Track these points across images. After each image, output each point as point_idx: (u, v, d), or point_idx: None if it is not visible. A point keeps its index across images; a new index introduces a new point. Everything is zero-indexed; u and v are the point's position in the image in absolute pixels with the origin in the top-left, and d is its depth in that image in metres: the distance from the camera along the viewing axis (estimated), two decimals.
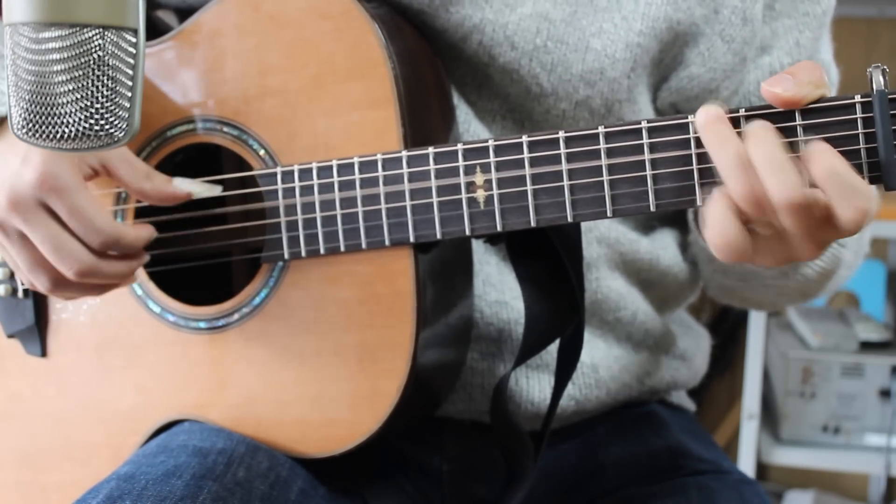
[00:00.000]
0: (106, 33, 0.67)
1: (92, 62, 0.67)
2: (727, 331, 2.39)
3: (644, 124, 0.75)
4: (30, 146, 0.80)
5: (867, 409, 2.06)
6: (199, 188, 0.87)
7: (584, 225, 0.91)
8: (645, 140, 0.75)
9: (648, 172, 0.75)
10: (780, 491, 2.41)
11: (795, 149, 0.71)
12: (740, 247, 0.71)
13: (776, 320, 2.29)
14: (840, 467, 2.17)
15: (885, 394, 2.05)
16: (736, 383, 2.35)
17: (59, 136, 0.68)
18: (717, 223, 0.71)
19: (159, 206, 0.88)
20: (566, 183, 0.77)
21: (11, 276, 0.95)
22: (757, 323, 2.11)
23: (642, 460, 0.99)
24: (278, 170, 0.86)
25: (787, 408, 2.08)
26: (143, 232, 0.86)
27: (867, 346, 2.09)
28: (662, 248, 1.02)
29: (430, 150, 0.81)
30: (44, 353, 0.96)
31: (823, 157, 0.69)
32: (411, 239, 0.82)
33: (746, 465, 2.10)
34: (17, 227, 0.82)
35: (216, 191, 0.87)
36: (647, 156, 0.75)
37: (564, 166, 0.77)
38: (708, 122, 0.71)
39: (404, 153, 0.82)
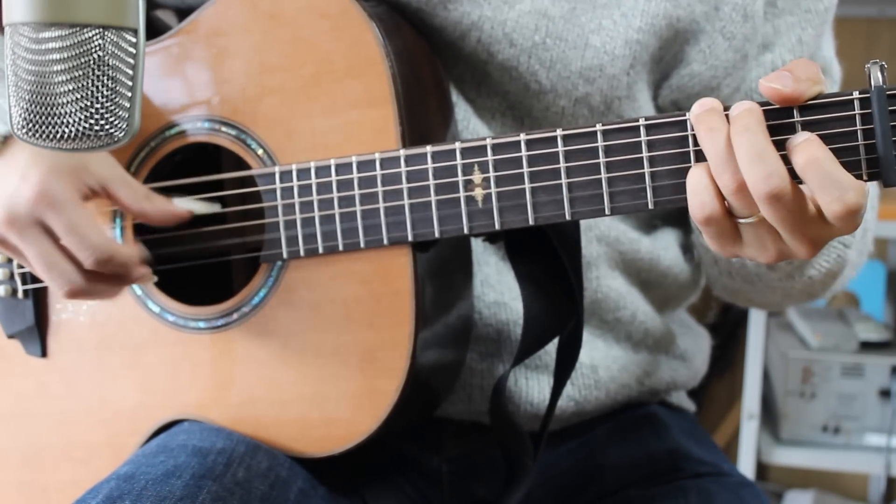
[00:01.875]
0: (106, 33, 0.67)
1: (92, 62, 0.67)
2: (727, 331, 2.39)
3: (642, 122, 0.75)
4: (29, 165, 0.81)
5: (867, 409, 2.06)
6: (198, 206, 0.87)
7: (584, 224, 0.91)
8: (643, 137, 0.75)
9: (646, 170, 0.75)
10: (780, 491, 2.41)
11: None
12: (723, 228, 0.71)
13: (776, 320, 2.29)
14: (840, 467, 2.17)
15: (885, 394, 2.05)
16: (736, 383, 2.34)
17: (59, 135, 0.68)
18: (695, 194, 0.71)
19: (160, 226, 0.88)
20: (564, 181, 0.77)
21: (11, 276, 0.95)
22: (757, 323, 2.11)
23: (642, 463, 0.99)
24: (276, 169, 0.86)
25: (787, 408, 2.08)
26: (137, 251, 0.87)
27: (867, 346, 2.09)
28: (663, 248, 1.02)
29: (428, 149, 0.81)
30: (44, 354, 0.96)
31: (807, 148, 0.68)
32: (410, 238, 0.82)
33: (746, 465, 2.10)
34: (14, 243, 0.83)
35: (215, 208, 0.88)
36: (644, 153, 0.75)
37: (562, 164, 0.77)
38: (701, 112, 0.71)
39: (402, 152, 0.82)
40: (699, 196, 0.70)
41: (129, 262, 0.85)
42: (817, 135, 0.69)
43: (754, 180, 0.68)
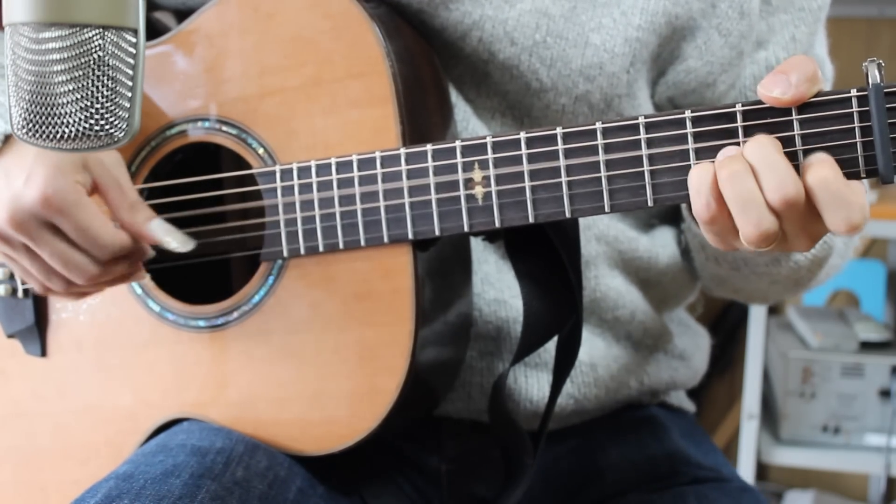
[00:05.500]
0: (106, 33, 0.67)
1: (92, 62, 0.67)
2: (727, 331, 2.39)
3: (641, 120, 0.75)
4: (33, 164, 0.81)
5: (867, 409, 2.06)
6: (173, 238, 0.86)
7: (583, 223, 0.91)
8: (642, 135, 0.75)
9: (646, 168, 0.75)
10: (780, 491, 2.41)
11: (794, 149, 0.71)
12: (726, 226, 0.72)
13: (776, 320, 2.29)
14: (840, 467, 2.17)
15: (885, 394, 2.05)
16: (736, 383, 2.34)
17: (59, 136, 0.68)
18: (699, 194, 0.71)
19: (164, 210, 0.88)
20: (564, 179, 0.78)
21: (11, 276, 0.96)
22: (757, 323, 2.11)
23: (641, 466, 0.99)
24: (277, 168, 0.86)
25: (786, 408, 2.08)
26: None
27: (867, 346, 2.09)
28: (662, 246, 1.02)
29: (429, 147, 0.81)
30: (44, 353, 0.96)
31: (820, 168, 0.69)
32: (410, 236, 0.83)
33: (746, 465, 2.10)
34: (23, 242, 0.83)
35: (189, 246, 0.86)
36: (644, 151, 0.75)
37: (562, 162, 0.77)
38: (724, 158, 0.71)
39: (403, 150, 0.82)
40: (703, 197, 0.71)
41: (144, 247, 0.86)
42: (815, 132, 0.70)
43: (769, 187, 0.69)
